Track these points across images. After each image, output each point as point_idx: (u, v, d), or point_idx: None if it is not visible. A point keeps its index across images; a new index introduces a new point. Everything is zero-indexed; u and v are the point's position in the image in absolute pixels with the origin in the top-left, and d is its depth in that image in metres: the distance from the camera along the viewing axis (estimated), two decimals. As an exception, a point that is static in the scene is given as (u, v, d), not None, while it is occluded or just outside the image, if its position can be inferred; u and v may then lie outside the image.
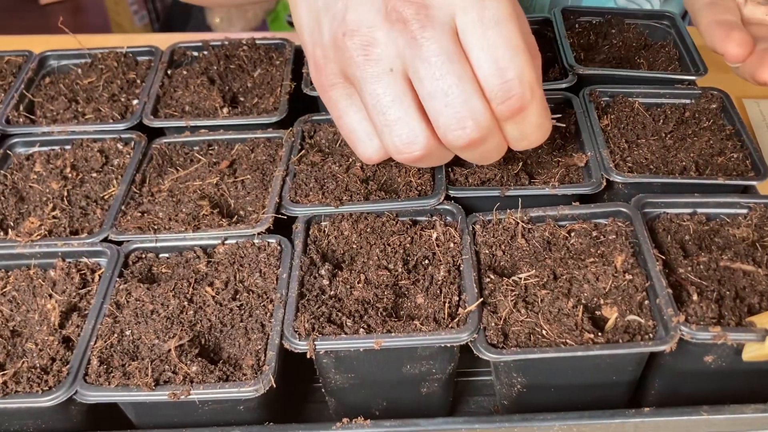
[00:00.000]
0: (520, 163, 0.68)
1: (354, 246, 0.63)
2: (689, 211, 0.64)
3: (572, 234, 0.62)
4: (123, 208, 0.67)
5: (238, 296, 0.59)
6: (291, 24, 2.48)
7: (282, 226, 0.64)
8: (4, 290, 0.62)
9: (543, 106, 0.54)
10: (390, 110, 0.53)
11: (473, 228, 0.63)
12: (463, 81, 0.51)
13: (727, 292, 0.56)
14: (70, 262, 0.63)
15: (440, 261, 0.60)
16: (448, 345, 0.54)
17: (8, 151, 0.75)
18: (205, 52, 0.86)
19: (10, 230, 0.66)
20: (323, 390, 0.61)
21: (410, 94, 0.53)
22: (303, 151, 0.71)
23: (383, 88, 0.52)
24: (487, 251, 0.61)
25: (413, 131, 0.53)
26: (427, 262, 0.61)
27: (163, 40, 0.88)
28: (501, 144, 0.56)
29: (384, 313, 0.56)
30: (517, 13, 0.53)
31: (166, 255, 0.64)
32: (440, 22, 0.51)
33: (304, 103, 0.78)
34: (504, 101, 0.52)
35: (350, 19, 0.52)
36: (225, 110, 0.77)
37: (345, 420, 0.54)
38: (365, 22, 0.52)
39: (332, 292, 0.58)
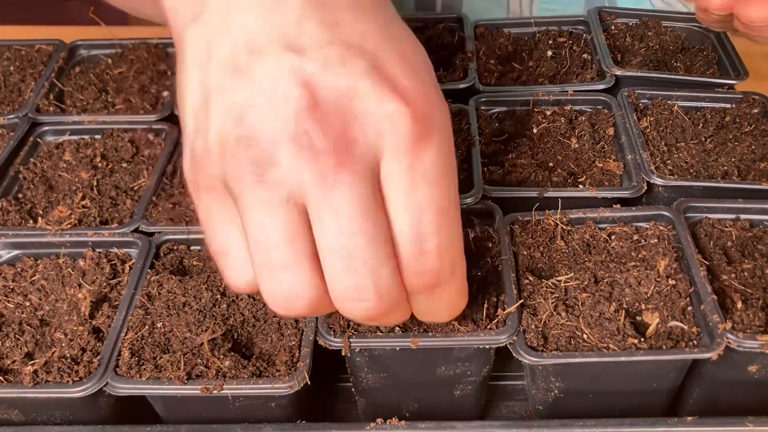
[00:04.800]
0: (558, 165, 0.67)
1: (388, 243, 0.62)
2: (732, 216, 0.62)
3: (612, 237, 0.60)
4: (154, 199, 0.66)
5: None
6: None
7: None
8: (33, 279, 0.61)
9: (461, 285, 0.46)
10: (276, 252, 0.40)
11: (511, 228, 0.62)
12: (375, 244, 0.40)
13: (773, 301, 0.55)
14: (100, 252, 0.62)
15: (477, 261, 0.59)
16: (486, 347, 0.53)
17: (38, 139, 0.74)
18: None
19: (39, 218, 0.66)
20: (353, 389, 0.60)
21: (306, 236, 0.40)
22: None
23: (273, 222, 0.40)
24: (525, 252, 0.60)
25: (299, 284, 0.41)
26: (463, 261, 0.60)
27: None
28: (405, 315, 0.46)
29: (419, 313, 0.55)
30: (452, 171, 0.43)
31: (198, 247, 0.63)
32: (362, 164, 0.39)
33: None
34: (418, 274, 0.42)
35: (250, 122, 0.39)
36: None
37: (379, 420, 0.53)
38: (268, 134, 0.38)
39: (366, 290, 0.57)
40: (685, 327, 0.53)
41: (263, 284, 0.42)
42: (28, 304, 0.59)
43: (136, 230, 0.64)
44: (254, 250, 0.41)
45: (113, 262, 0.62)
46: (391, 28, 0.42)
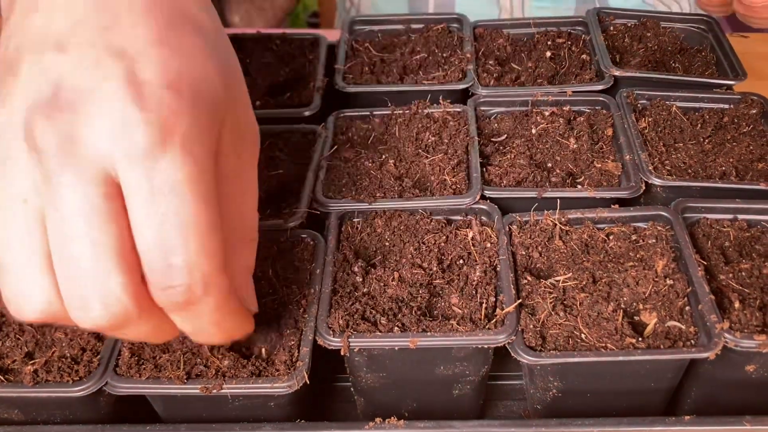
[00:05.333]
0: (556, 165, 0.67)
1: (387, 243, 0.62)
2: (730, 216, 0.62)
3: (611, 237, 0.61)
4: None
5: (270, 291, 0.58)
6: (311, 25, 2.48)
7: (315, 221, 0.64)
8: (34, 279, 0.61)
9: (223, 304, 0.43)
10: (7, 251, 0.40)
11: (509, 228, 0.62)
12: (100, 252, 0.38)
13: (771, 301, 0.55)
14: (100, 252, 0.62)
15: (476, 261, 0.59)
16: (485, 346, 0.53)
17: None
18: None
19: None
20: (352, 389, 0.60)
21: (41, 239, 0.40)
22: (336, 147, 0.70)
23: (5, 220, 0.40)
24: (523, 252, 0.60)
25: (28, 287, 0.40)
26: (462, 261, 0.60)
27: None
28: (162, 331, 0.44)
29: (418, 312, 0.55)
30: (205, 182, 0.40)
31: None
32: (88, 167, 0.38)
33: (337, 99, 0.77)
34: (163, 290, 0.40)
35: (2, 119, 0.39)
36: (257, 104, 0.76)
37: (378, 420, 0.53)
38: (5, 129, 0.39)
39: (365, 290, 0.58)
40: (683, 327, 0.54)
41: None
42: (28, 303, 0.59)
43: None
44: None
45: (113, 262, 0.62)
46: (173, 33, 0.41)
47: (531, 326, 0.54)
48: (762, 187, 0.63)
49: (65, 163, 0.38)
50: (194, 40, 0.43)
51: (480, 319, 0.55)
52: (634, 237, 0.60)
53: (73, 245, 0.38)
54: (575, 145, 0.70)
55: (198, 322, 0.43)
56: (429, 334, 0.53)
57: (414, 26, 0.87)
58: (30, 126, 0.38)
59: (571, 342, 0.53)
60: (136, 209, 0.39)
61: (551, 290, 0.56)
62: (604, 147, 0.70)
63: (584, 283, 0.57)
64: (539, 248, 0.60)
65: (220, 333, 0.45)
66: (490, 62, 0.80)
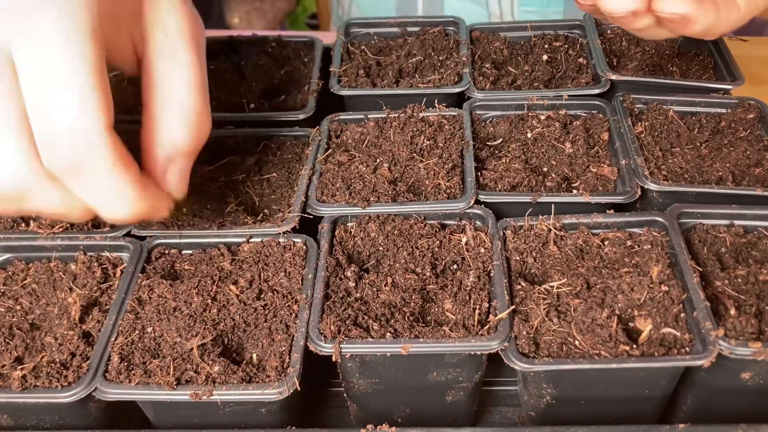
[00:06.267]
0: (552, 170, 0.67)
1: (380, 248, 0.61)
2: (726, 222, 0.62)
3: (606, 243, 0.60)
4: (146, 202, 0.66)
5: (262, 296, 0.58)
6: (310, 26, 2.48)
7: (308, 225, 0.63)
8: (24, 282, 0.61)
9: (116, 166, 0.45)
10: None
11: (504, 233, 0.61)
12: None
13: (766, 307, 0.55)
14: (91, 256, 0.62)
15: (470, 266, 0.59)
16: (478, 353, 0.53)
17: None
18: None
19: (31, 221, 0.65)
20: (345, 395, 0.60)
21: None
22: (330, 150, 0.70)
23: None
24: (517, 258, 0.60)
25: None
26: (455, 266, 0.59)
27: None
28: (69, 203, 0.47)
29: (411, 318, 0.55)
30: (78, 39, 0.43)
31: (190, 252, 0.63)
32: None
33: (331, 102, 0.77)
34: (52, 152, 0.43)
35: None
36: (252, 106, 0.76)
37: (369, 426, 0.53)
38: None
39: (358, 295, 0.57)
40: (678, 334, 0.53)
41: None
42: (18, 307, 0.59)
43: (128, 234, 0.63)
44: None
45: (104, 266, 0.61)
46: None
47: (524, 332, 0.53)
48: (759, 192, 0.63)
49: None
50: None
51: (473, 325, 0.54)
52: (629, 243, 0.60)
53: None
54: (571, 150, 0.69)
55: (96, 190, 0.45)
56: (421, 340, 0.52)
57: (410, 29, 0.86)
58: None
59: (564, 349, 0.52)
60: (23, 81, 0.42)
61: (545, 296, 0.56)
62: (600, 151, 0.70)
63: (578, 289, 0.56)
64: (534, 253, 0.60)
65: (122, 205, 0.47)
66: (487, 65, 0.80)
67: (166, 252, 0.62)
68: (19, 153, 0.42)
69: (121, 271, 0.61)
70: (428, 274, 0.58)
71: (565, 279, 0.57)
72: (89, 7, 0.44)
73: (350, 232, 0.63)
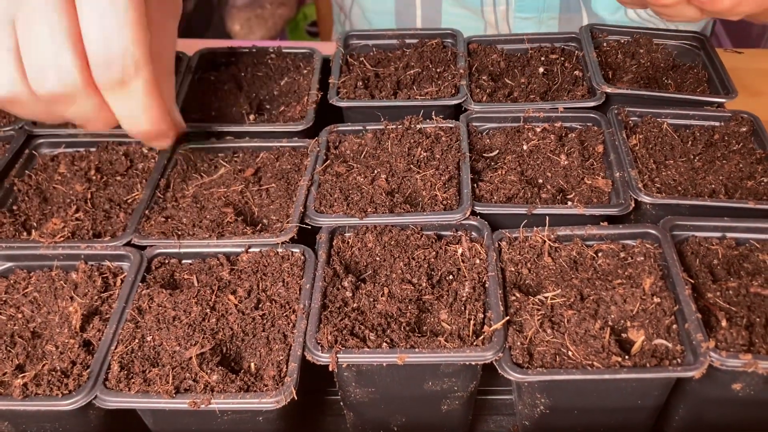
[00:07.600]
0: (546, 182, 0.68)
1: (377, 258, 0.62)
2: (718, 234, 0.63)
3: (599, 254, 0.61)
4: (147, 212, 0.67)
5: (260, 305, 0.59)
6: (310, 34, 2.49)
7: (306, 235, 0.64)
8: (26, 291, 0.62)
9: (151, 88, 0.56)
10: None
11: (499, 245, 0.62)
12: (56, 33, 0.52)
13: (757, 319, 0.55)
14: (92, 265, 0.63)
15: (465, 277, 0.59)
16: (473, 363, 0.53)
17: (33, 152, 0.75)
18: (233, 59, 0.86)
19: (33, 231, 0.66)
20: (342, 403, 0.60)
21: (10, 35, 0.53)
22: (328, 162, 0.71)
23: None
24: (512, 269, 0.60)
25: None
26: (451, 277, 0.60)
27: (189, 46, 0.88)
28: (100, 112, 0.57)
29: (407, 328, 0.56)
30: None
31: (189, 261, 0.64)
32: None
33: (330, 113, 0.78)
34: (105, 70, 0.53)
35: None
36: (251, 117, 0.76)
37: (365, 435, 0.54)
38: None
39: (355, 305, 0.58)
40: (670, 345, 0.54)
41: None
42: (20, 316, 0.60)
43: (128, 243, 0.64)
44: None
45: (105, 276, 0.62)
46: None
47: (518, 343, 0.54)
48: (751, 205, 0.64)
49: None
50: None
51: (468, 336, 0.55)
52: (622, 254, 0.61)
53: (35, 30, 0.51)
54: (566, 162, 0.70)
55: (130, 103, 0.56)
56: (417, 350, 0.53)
57: (408, 41, 0.87)
58: None
59: (558, 359, 0.53)
60: (84, 5, 0.52)
61: (539, 307, 0.57)
62: (595, 164, 0.70)
63: (572, 300, 0.57)
64: (528, 265, 0.61)
65: (147, 120, 0.58)
66: (484, 77, 0.81)
67: (166, 261, 0.63)
68: (75, 65, 0.52)
69: (122, 281, 0.62)
70: (424, 284, 0.59)
71: (559, 290, 0.58)
72: None
73: (348, 243, 0.64)
